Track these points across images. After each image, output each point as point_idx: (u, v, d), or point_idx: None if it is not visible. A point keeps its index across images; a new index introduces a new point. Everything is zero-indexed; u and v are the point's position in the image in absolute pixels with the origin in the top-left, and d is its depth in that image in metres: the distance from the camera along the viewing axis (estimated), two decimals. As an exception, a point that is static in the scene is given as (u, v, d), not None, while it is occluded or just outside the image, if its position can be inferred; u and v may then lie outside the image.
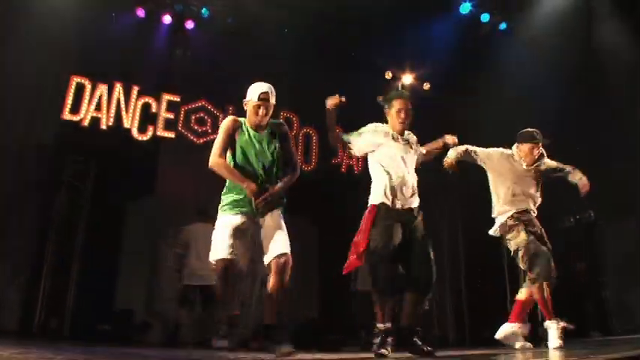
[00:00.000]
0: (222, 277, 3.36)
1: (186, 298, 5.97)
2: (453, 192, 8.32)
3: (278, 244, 3.39)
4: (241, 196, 3.46)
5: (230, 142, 3.55)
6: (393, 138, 3.86)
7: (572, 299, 7.70)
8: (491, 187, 4.51)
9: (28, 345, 3.89)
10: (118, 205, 6.95)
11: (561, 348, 3.80)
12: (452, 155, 4.36)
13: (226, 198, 3.52)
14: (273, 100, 3.59)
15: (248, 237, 3.45)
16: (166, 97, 7.24)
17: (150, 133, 7.06)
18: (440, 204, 8.59)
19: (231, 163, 3.54)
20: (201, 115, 7.40)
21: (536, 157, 4.44)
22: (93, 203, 6.73)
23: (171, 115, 7.21)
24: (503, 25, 8.17)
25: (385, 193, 3.74)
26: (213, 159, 3.51)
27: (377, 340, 3.60)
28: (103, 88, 6.94)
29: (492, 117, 7.50)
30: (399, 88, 3.97)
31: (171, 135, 7.18)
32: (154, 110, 7.13)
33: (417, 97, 8.82)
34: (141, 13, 7.59)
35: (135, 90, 7.08)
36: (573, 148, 7.76)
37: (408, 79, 9.07)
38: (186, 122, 7.30)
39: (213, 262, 3.40)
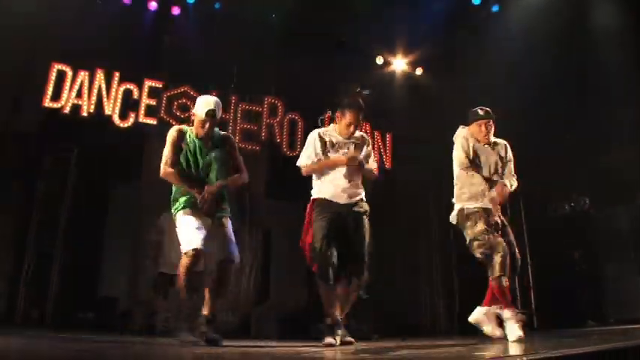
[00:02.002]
0: (190, 268, 3.58)
1: (162, 285, 5.91)
2: (443, 182, 8.20)
3: (223, 249, 3.71)
4: (190, 196, 3.73)
5: (177, 150, 3.79)
6: (334, 145, 3.94)
7: (567, 287, 7.58)
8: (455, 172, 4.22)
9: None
10: (100, 192, 6.93)
11: (521, 339, 3.59)
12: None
13: (180, 200, 3.76)
14: (219, 114, 3.85)
15: (206, 233, 3.70)
16: (148, 83, 7.16)
17: (131, 120, 6.98)
18: (428, 193, 8.50)
19: (185, 168, 3.77)
20: (184, 101, 7.30)
21: (489, 132, 4.16)
22: (75, 191, 6.70)
23: (153, 102, 7.12)
24: (495, 8, 7.96)
25: (321, 190, 3.88)
26: (163, 169, 3.76)
27: (326, 330, 3.61)
28: (84, 75, 6.87)
29: (482, 96, 7.33)
30: (360, 92, 4.05)
31: (153, 121, 7.10)
32: (135, 96, 7.05)
33: (406, 78, 8.84)
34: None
35: (116, 76, 7.00)
36: (565, 134, 7.63)
37: (400, 63, 8.96)
38: (169, 108, 7.21)
39: (185, 253, 3.62)
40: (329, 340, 3.54)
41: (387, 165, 8.38)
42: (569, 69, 7.34)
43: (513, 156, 4.29)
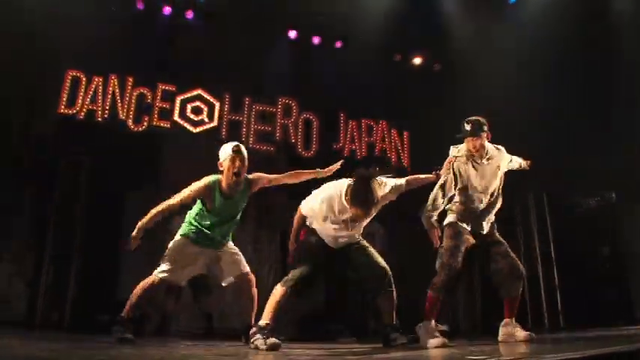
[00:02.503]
0: (150, 288, 4.03)
1: (174, 289, 5.89)
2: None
3: (234, 268, 4.06)
4: (199, 228, 3.96)
5: (189, 202, 3.98)
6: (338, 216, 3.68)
7: (594, 286, 7.34)
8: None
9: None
10: (115, 195, 6.94)
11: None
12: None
13: (189, 225, 4.02)
14: (246, 154, 3.91)
15: (194, 260, 4.04)
16: (162, 86, 7.19)
17: (145, 124, 7.02)
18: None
19: (205, 214, 3.97)
20: (197, 103, 7.31)
21: (478, 149, 3.94)
22: (91, 194, 6.75)
23: (166, 105, 7.15)
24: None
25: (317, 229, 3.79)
26: (165, 204, 3.91)
27: (258, 335, 3.52)
28: (98, 81, 6.94)
29: (499, 91, 7.18)
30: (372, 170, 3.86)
31: (167, 125, 7.13)
32: (149, 100, 7.08)
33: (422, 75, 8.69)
34: (140, 5, 7.59)
35: (130, 81, 7.05)
36: (589, 131, 7.39)
37: (416, 60, 8.83)
38: (182, 111, 7.23)
39: (155, 274, 4.00)
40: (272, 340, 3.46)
41: (405, 164, 8.27)
42: (590, 63, 7.12)
43: (534, 156, 4.26)
